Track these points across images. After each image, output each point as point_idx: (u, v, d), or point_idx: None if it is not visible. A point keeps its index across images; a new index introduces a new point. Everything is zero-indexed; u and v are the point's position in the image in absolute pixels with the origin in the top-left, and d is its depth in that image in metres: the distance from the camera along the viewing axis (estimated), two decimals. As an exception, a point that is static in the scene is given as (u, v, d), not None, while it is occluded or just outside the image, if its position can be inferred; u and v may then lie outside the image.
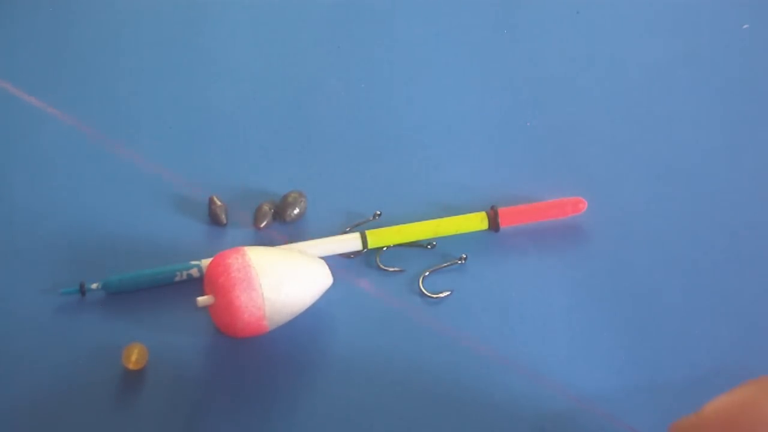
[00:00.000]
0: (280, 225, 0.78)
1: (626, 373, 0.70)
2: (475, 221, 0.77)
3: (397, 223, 0.77)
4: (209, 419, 0.68)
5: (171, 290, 0.73)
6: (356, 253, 0.76)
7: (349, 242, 0.76)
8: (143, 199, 0.79)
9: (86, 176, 0.81)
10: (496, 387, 0.69)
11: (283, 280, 0.68)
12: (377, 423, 0.68)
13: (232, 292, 0.66)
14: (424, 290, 0.74)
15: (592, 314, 0.73)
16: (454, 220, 0.77)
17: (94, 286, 0.72)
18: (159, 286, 0.73)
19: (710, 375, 0.70)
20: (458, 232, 0.77)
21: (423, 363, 0.70)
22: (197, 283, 0.73)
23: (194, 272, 0.73)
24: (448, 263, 0.76)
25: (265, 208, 0.78)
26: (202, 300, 0.68)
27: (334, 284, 0.72)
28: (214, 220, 0.78)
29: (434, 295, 0.74)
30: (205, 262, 0.73)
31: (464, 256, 0.76)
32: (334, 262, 0.74)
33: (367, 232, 0.76)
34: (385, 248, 0.77)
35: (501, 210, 0.78)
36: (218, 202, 0.78)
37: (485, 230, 0.78)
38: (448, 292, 0.74)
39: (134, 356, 0.68)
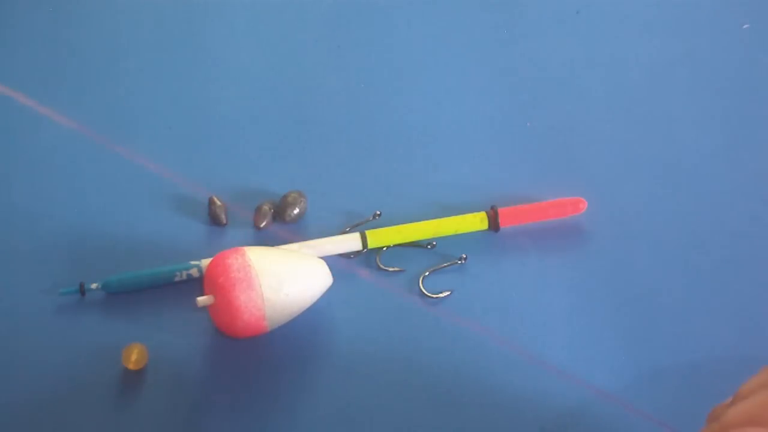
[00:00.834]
0: (280, 225, 0.78)
1: (626, 373, 0.70)
2: (475, 221, 0.77)
3: (397, 223, 0.77)
4: (209, 419, 0.68)
5: (171, 290, 0.73)
6: (356, 253, 0.76)
7: (349, 242, 0.76)
8: (143, 199, 0.79)
9: (86, 176, 0.81)
10: (496, 387, 0.69)
11: (283, 280, 0.68)
12: (377, 423, 0.68)
13: (232, 292, 0.66)
14: (424, 290, 0.74)
15: (592, 314, 0.73)
16: (454, 220, 0.77)
17: (93, 286, 0.72)
18: (159, 286, 0.73)
19: (711, 375, 0.70)
20: (458, 232, 0.77)
21: (423, 363, 0.70)
22: (197, 283, 0.73)
23: (194, 272, 0.73)
24: (448, 263, 0.76)
25: (265, 208, 0.78)
26: (201, 300, 0.68)
27: (334, 284, 0.72)
28: (214, 220, 0.78)
29: (434, 295, 0.74)
30: (205, 262, 0.73)
31: (464, 256, 0.76)
32: (334, 262, 0.74)
33: (367, 232, 0.76)
34: (385, 248, 0.77)
35: (501, 210, 0.78)
36: (218, 202, 0.78)
37: (485, 230, 0.78)
38: (448, 292, 0.74)
39: (134, 356, 0.68)
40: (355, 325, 0.72)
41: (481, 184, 0.81)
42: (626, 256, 0.77)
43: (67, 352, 0.70)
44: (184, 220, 0.78)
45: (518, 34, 0.94)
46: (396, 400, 0.69)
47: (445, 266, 0.76)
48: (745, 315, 0.74)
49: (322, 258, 0.73)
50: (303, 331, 0.71)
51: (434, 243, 0.77)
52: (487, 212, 0.78)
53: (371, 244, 0.76)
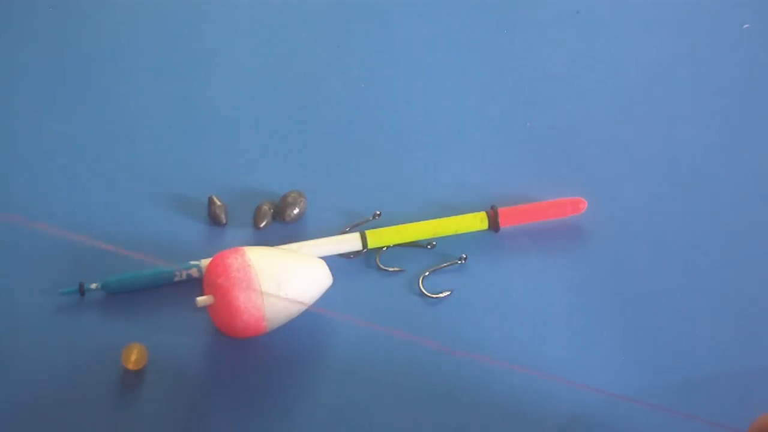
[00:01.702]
0: (280, 225, 0.78)
1: (626, 373, 0.70)
2: (475, 221, 0.77)
3: (397, 223, 0.77)
4: (209, 419, 0.68)
5: (170, 290, 0.73)
6: (356, 253, 0.76)
7: (349, 242, 0.76)
8: (143, 199, 0.79)
9: (86, 176, 0.81)
10: (495, 387, 0.69)
11: (282, 280, 0.68)
12: (377, 423, 0.68)
13: (232, 292, 0.66)
14: (424, 290, 0.74)
15: (592, 314, 0.73)
16: (454, 220, 0.77)
17: (93, 286, 0.72)
18: (158, 286, 0.73)
19: (711, 376, 0.70)
20: (458, 232, 0.77)
21: (423, 363, 0.70)
22: (197, 283, 0.73)
23: (194, 272, 0.73)
24: (448, 263, 0.76)
25: (265, 208, 0.78)
26: (201, 300, 0.68)
27: (334, 284, 0.72)
28: (213, 220, 0.78)
29: (434, 295, 0.74)
30: (205, 262, 0.73)
31: (464, 256, 0.76)
32: (334, 262, 0.74)
33: (367, 232, 0.76)
34: (385, 248, 0.77)
35: (501, 210, 0.77)
36: (218, 202, 0.78)
37: (485, 230, 0.78)
38: (448, 292, 0.74)
39: (134, 356, 0.68)
40: (354, 326, 0.72)
41: (481, 184, 0.81)
42: (626, 256, 0.77)
43: (66, 352, 0.70)
44: (183, 220, 0.78)
45: (518, 34, 0.94)
46: (396, 400, 0.69)
47: (445, 266, 0.76)
48: (746, 315, 0.74)
49: (322, 258, 0.73)
50: (303, 332, 0.71)
51: (434, 243, 0.77)
52: (487, 212, 0.78)
53: (371, 244, 0.76)
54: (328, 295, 0.72)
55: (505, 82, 0.90)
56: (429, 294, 0.74)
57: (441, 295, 0.74)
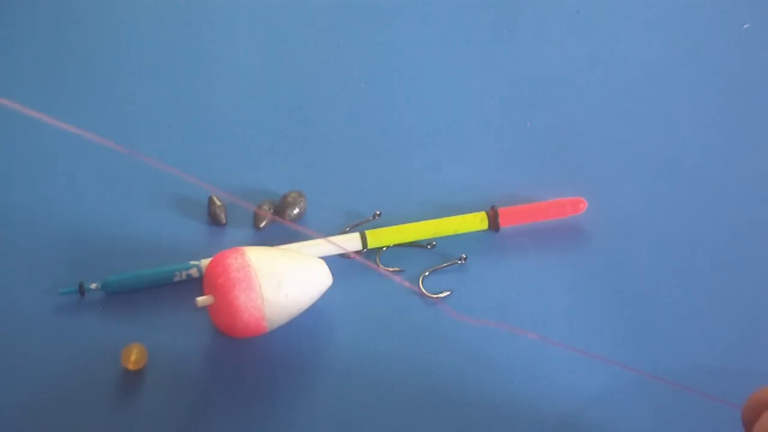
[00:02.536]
0: (280, 225, 0.78)
1: (626, 373, 0.70)
2: (475, 221, 0.77)
3: (397, 223, 0.77)
4: (209, 419, 0.68)
5: (170, 290, 0.73)
6: (356, 253, 0.76)
7: (349, 242, 0.76)
8: (143, 199, 0.79)
9: (86, 176, 0.81)
10: (496, 387, 0.69)
11: (282, 280, 0.68)
12: (377, 423, 0.68)
13: (232, 293, 0.66)
14: (424, 290, 0.74)
15: (592, 314, 0.73)
16: (454, 220, 0.77)
17: (93, 286, 0.72)
18: (158, 286, 0.73)
19: (711, 375, 0.70)
20: (458, 232, 0.77)
21: (423, 363, 0.70)
22: (197, 283, 0.73)
23: (194, 272, 0.73)
24: (448, 263, 0.76)
25: (265, 207, 0.78)
26: (201, 300, 0.68)
27: (334, 284, 0.72)
28: (213, 219, 0.78)
29: (434, 295, 0.74)
30: (205, 262, 0.73)
31: (464, 256, 0.76)
32: (334, 262, 0.74)
33: (367, 232, 0.76)
34: (385, 248, 0.77)
35: (501, 210, 0.77)
36: (218, 202, 0.78)
37: (485, 230, 0.78)
38: (448, 292, 0.74)
39: (133, 356, 0.68)
40: (355, 326, 0.72)
41: (481, 184, 0.81)
42: (626, 256, 0.77)
43: (66, 352, 0.70)
44: (183, 220, 0.78)
45: (518, 34, 0.94)
46: (396, 400, 0.69)
47: (445, 266, 0.76)
48: (745, 315, 0.74)
49: (322, 258, 0.73)
50: (303, 332, 0.71)
51: (434, 243, 0.77)
52: (487, 212, 0.78)
53: (371, 244, 0.76)
54: (328, 295, 0.71)
55: (505, 82, 0.90)
56: (429, 294, 0.74)
57: (441, 295, 0.74)
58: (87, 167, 0.81)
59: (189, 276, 0.73)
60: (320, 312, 0.72)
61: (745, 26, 0.95)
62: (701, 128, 0.87)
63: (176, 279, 0.73)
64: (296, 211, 0.78)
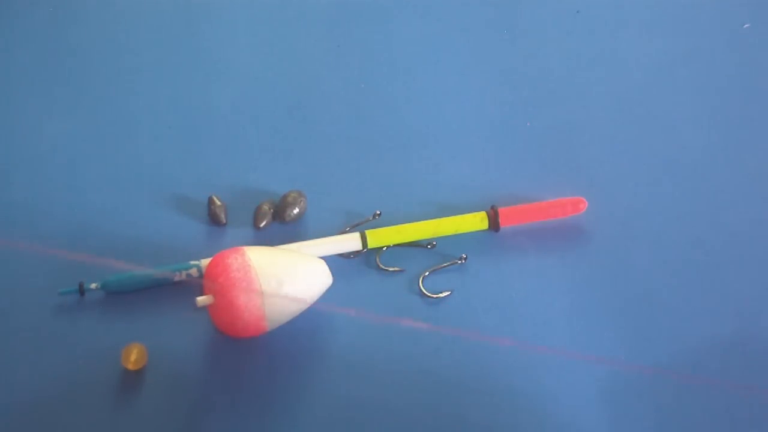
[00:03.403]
0: (280, 225, 0.78)
1: (626, 372, 0.70)
2: (475, 221, 0.77)
3: (397, 223, 0.77)
4: (209, 419, 0.68)
5: (170, 290, 0.73)
6: (356, 253, 0.76)
7: (349, 242, 0.76)
8: (143, 199, 0.79)
9: (86, 176, 0.81)
10: (495, 387, 0.69)
11: (282, 280, 0.68)
12: (377, 423, 0.68)
13: (232, 292, 0.66)
14: (424, 290, 0.74)
15: (592, 314, 0.73)
16: (454, 220, 0.77)
17: (93, 286, 0.72)
18: (158, 286, 0.73)
19: (710, 375, 0.70)
20: (458, 232, 0.77)
21: (423, 363, 0.70)
22: (197, 283, 0.73)
23: (194, 272, 0.73)
24: (448, 263, 0.76)
25: (265, 207, 0.78)
26: (201, 300, 0.68)
27: (334, 284, 0.72)
28: (213, 219, 0.78)
29: (434, 295, 0.74)
30: (205, 262, 0.73)
31: (464, 256, 0.76)
32: (334, 262, 0.74)
33: (367, 232, 0.76)
34: (385, 248, 0.77)
35: (501, 210, 0.77)
36: (218, 202, 0.78)
37: (485, 230, 0.78)
38: (448, 292, 0.74)
39: (133, 356, 0.68)
40: (354, 325, 0.72)
41: (481, 184, 0.81)
42: (626, 256, 0.77)
43: (66, 352, 0.70)
44: (183, 220, 0.78)
45: (518, 34, 0.94)
46: (395, 399, 0.69)
47: (445, 266, 0.76)
48: (745, 315, 0.74)
49: (322, 258, 0.73)
50: (303, 331, 0.71)
51: (434, 243, 0.77)
52: (487, 212, 0.78)
53: (371, 244, 0.76)
54: (328, 294, 0.71)
55: (505, 82, 0.90)
56: (429, 294, 0.74)
57: (441, 295, 0.74)
58: (87, 167, 0.81)
59: (189, 276, 0.73)
60: (320, 312, 0.72)
61: (745, 26, 0.95)
62: (701, 128, 0.87)
63: (176, 279, 0.73)
64: (296, 211, 0.78)
